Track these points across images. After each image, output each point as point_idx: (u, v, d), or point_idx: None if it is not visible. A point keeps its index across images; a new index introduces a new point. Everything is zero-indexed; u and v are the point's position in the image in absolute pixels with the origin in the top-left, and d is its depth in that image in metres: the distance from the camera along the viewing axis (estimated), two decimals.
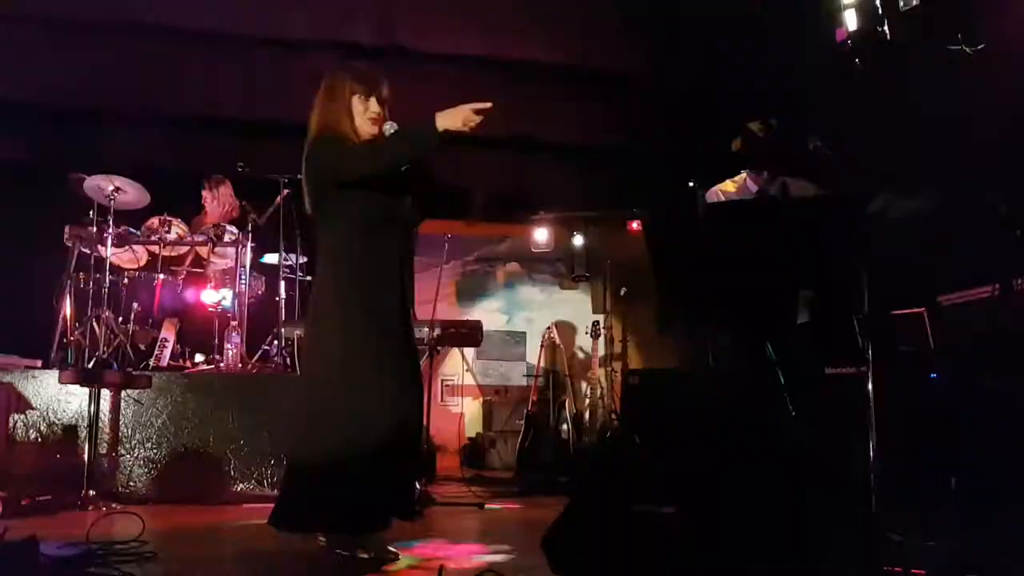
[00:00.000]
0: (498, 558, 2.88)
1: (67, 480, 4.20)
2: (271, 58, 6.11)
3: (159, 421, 4.56)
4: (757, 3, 4.99)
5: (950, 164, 4.12)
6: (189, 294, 5.57)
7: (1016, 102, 3.67)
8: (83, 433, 4.33)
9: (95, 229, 5.14)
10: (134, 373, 4.59)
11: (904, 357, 4.00)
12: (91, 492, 4.08)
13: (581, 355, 7.40)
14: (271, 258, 5.85)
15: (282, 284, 5.71)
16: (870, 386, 2.90)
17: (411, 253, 3.05)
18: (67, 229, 5.34)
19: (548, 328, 6.49)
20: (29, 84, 6.05)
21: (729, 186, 3.91)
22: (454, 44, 6.02)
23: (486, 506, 4.46)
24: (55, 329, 5.16)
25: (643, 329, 7.36)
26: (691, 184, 3.07)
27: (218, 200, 5.89)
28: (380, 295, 2.87)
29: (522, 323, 7.83)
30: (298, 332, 4.92)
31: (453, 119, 2.73)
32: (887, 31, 3.67)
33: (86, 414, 4.25)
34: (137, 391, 4.51)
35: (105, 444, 4.43)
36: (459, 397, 7.58)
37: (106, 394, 4.44)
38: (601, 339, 6.14)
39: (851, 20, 3.90)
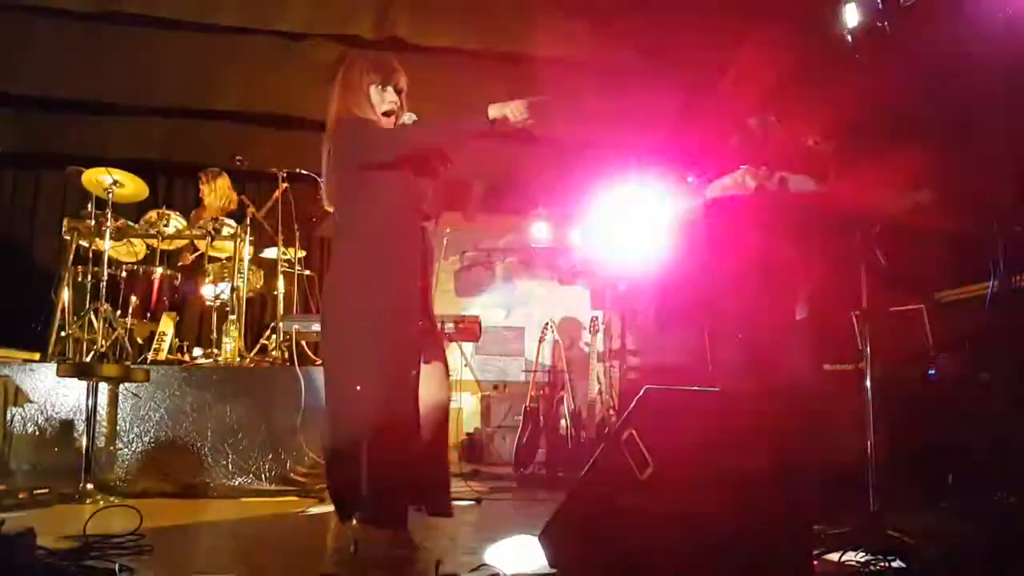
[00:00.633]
0: (495, 553, 2.88)
1: (65, 473, 4.19)
2: (271, 51, 6.09)
3: (157, 415, 4.55)
4: None
5: (951, 159, 4.12)
6: (187, 288, 5.57)
7: (1018, 96, 3.66)
8: (81, 426, 4.33)
9: (93, 222, 5.13)
10: (132, 366, 4.58)
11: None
12: (89, 485, 4.07)
13: (580, 351, 7.40)
14: (270, 252, 5.85)
15: (280, 278, 5.70)
16: (868, 382, 2.91)
17: (431, 251, 3.01)
18: (65, 222, 5.34)
19: (547, 323, 6.48)
20: (27, 76, 6.03)
21: (728, 181, 3.91)
22: (453, 38, 6.02)
23: (484, 501, 4.46)
24: (53, 322, 5.16)
25: (642, 325, 7.34)
26: (690, 179, 3.06)
27: (215, 193, 5.89)
28: (401, 282, 2.84)
29: (521, 318, 7.84)
30: (296, 326, 4.92)
31: (503, 109, 2.72)
32: (888, 25, 3.66)
33: (84, 407, 4.24)
34: (135, 385, 4.51)
35: (103, 437, 4.42)
36: (457, 392, 7.58)
37: (104, 387, 4.43)
38: (600, 335, 6.14)
39: (852, 14, 3.89)
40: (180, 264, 5.83)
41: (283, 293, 5.71)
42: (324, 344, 2.99)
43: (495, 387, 7.54)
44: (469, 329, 4.91)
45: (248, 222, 5.50)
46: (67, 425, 4.47)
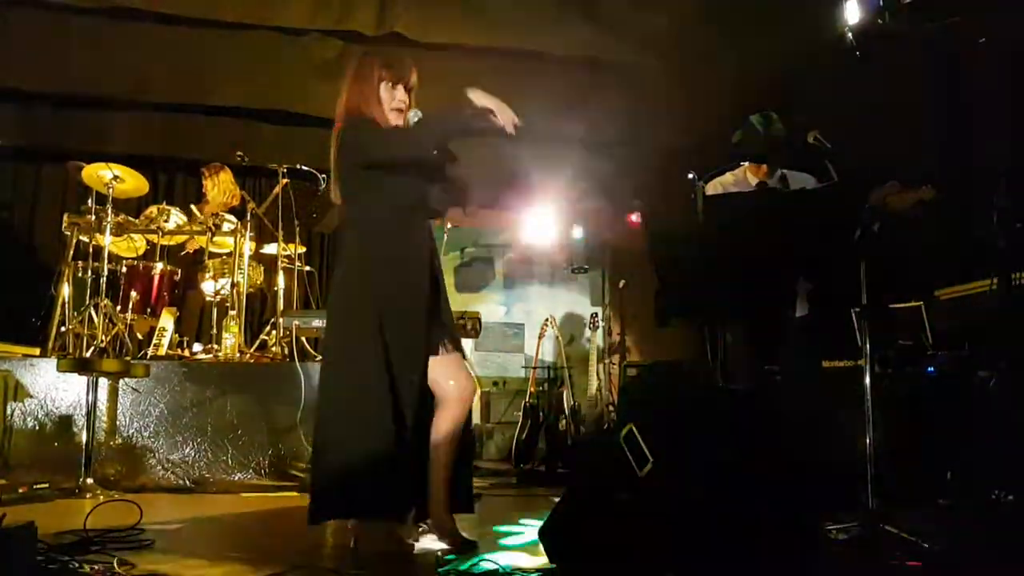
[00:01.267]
0: (495, 548, 2.88)
1: (65, 468, 4.20)
2: (271, 46, 6.08)
3: (157, 410, 4.56)
4: None
5: (951, 157, 4.12)
6: (188, 283, 5.57)
7: (1018, 94, 3.66)
8: (81, 421, 4.33)
9: (94, 217, 5.13)
10: (132, 362, 4.59)
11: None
12: (89, 480, 4.08)
13: (579, 347, 7.40)
14: (270, 248, 5.85)
15: (281, 274, 5.70)
16: (867, 379, 2.91)
17: (436, 251, 3.00)
18: (65, 217, 5.34)
19: (546, 320, 6.48)
20: (28, 71, 6.03)
21: (728, 178, 3.91)
22: (453, 33, 6.01)
23: (483, 497, 4.46)
24: (53, 317, 5.16)
25: (641, 321, 7.35)
26: (690, 176, 3.06)
27: (218, 188, 5.88)
28: (408, 279, 2.84)
29: (520, 315, 7.83)
30: (296, 322, 4.92)
31: (488, 101, 2.71)
32: (888, 23, 3.66)
33: (84, 402, 4.25)
34: (135, 380, 4.51)
35: (103, 432, 4.43)
36: None
37: (104, 383, 4.44)
38: (599, 331, 6.14)
39: (853, 11, 3.89)
40: (183, 253, 5.83)
41: (283, 289, 5.71)
42: (327, 334, 2.97)
43: (495, 383, 7.55)
44: (469, 325, 4.92)
45: (248, 218, 5.49)
46: (67, 420, 4.47)
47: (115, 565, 2.39)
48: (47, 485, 3.99)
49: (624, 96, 6.18)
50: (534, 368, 6.38)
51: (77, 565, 2.37)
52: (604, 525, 2.34)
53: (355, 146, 2.85)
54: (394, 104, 2.90)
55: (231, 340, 5.14)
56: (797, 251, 3.00)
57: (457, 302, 7.65)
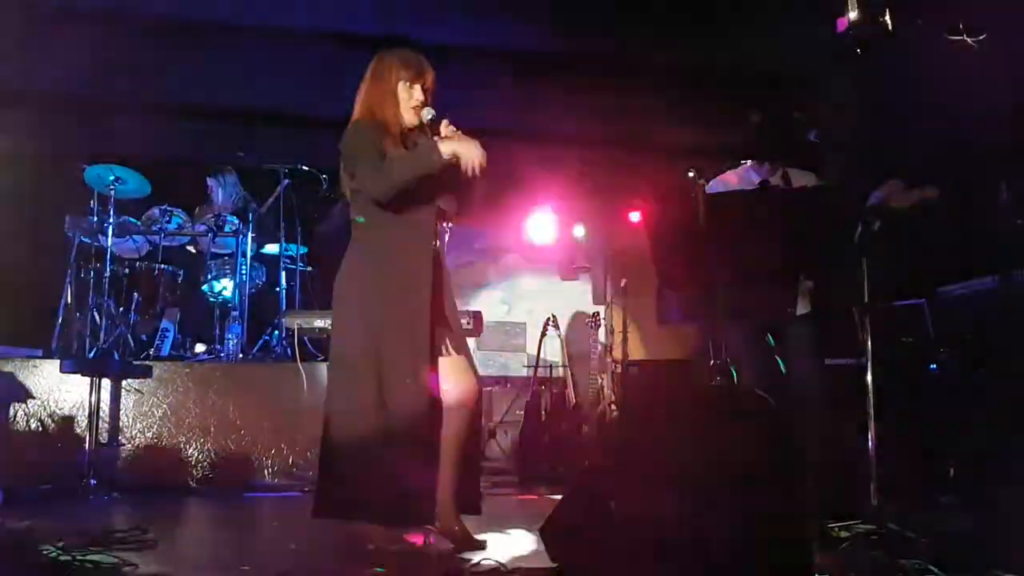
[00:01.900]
0: (496, 547, 2.89)
1: (68, 469, 4.21)
2: (273, 47, 6.08)
3: (160, 411, 4.57)
4: None
5: (952, 155, 4.12)
6: (190, 284, 5.57)
7: (1018, 92, 3.66)
8: (83, 423, 4.34)
9: (95, 219, 5.13)
10: (135, 363, 4.60)
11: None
12: (92, 481, 4.09)
13: (581, 346, 7.40)
14: (272, 248, 5.85)
15: (283, 274, 5.71)
16: (869, 377, 2.92)
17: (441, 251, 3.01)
18: (67, 219, 5.35)
19: (548, 319, 6.48)
20: (29, 74, 6.03)
21: (731, 176, 3.90)
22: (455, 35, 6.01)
23: (485, 496, 4.46)
24: (56, 318, 5.17)
25: (643, 320, 7.35)
26: (691, 174, 3.05)
27: (223, 189, 5.89)
28: (409, 280, 2.84)
29: (522, 314, 7.83)
30: (299, 322, 4.93)
31: (456, 147, 2.78)
32: (888, 21, 3.66)
33: (87, 404, 4.26)
34: (138, 381, 4.52)
35: (106, 434, 4.43)
36: None
37: (107, 384, 4.45)
38: (601, 330, 6.15)
39: (852, 9, 3.88)
40: (186, 252, 5.83)
41: (285, 289, 5.72)
42: (332, 334, 2.99)
43: (496, 382, 7.54)
44: (470, 324, 4.92)
45: (251, 218, 5.49)
46: (70, 421, 4.48)
47: (119, 566, 2.40)
48: (50, 487, 4.00)
49: (624, 95, 6.18)
50: (536, 367, 6.38)
51: (81, 566, 2.37)
52: (605, 524, 2.34)
53: (347, 155, 2.89)
54: (412, 103, 2.93)
55: (233, 341, 5.15)
56: (799, 249, 2.99)
57: (458, 301, 7.66)
